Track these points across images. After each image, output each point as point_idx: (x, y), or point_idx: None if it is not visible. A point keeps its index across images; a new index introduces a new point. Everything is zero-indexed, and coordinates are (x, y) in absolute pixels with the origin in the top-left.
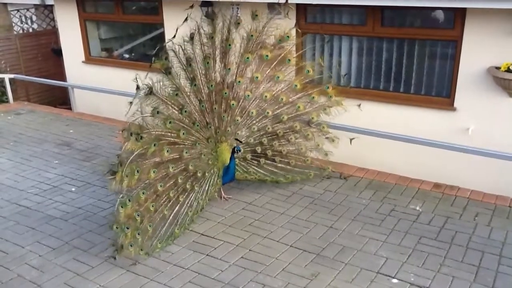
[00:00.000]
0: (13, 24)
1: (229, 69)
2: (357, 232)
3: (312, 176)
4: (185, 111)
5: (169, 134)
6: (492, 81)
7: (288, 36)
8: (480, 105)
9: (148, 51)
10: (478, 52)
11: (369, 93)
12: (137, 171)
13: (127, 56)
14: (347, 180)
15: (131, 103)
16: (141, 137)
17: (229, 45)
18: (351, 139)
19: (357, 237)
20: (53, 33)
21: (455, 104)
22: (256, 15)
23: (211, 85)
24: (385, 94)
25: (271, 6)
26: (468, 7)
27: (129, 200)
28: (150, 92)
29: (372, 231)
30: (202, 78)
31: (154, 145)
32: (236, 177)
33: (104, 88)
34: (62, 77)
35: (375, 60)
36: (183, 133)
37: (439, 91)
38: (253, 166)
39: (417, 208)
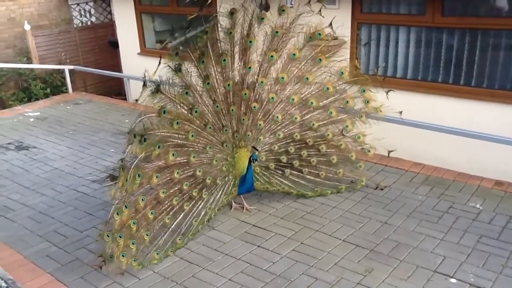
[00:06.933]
0: (73, 18)
1: (250, 68)
2: (412, 228)
3: (344, 189)
4: (196, 112)
5: (177, 135)
6: None
7: (319, 34)
8: None
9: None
10: None
11: (428, 86)
12: (139, 175)
13: (180, 48)
14: (382, 190)
15: (136, 100)
16: (145, 139)
17: (250, 41)
18: (389, 152)
19: (413, 233)
20: (110, 25)
21: None
22: (283, 10)
23: (228, 85)
24: (445, 86)
25: None
26: None
27: (126, 207)
28: (157, 90)
29: (429, 228)
30: (217, 77)
31: (159, 147)
32: (256, 187)
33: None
34: (117, 69)
35: (434, 51)
36: (192, 135)
37: (503, 84)
38: (276, 177)
39: (477, 206)
